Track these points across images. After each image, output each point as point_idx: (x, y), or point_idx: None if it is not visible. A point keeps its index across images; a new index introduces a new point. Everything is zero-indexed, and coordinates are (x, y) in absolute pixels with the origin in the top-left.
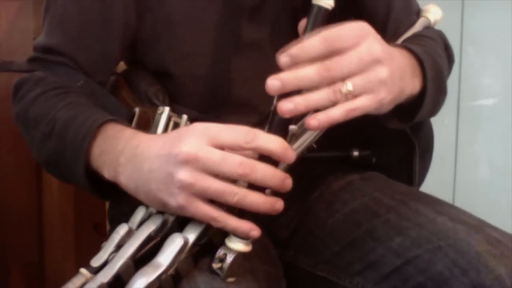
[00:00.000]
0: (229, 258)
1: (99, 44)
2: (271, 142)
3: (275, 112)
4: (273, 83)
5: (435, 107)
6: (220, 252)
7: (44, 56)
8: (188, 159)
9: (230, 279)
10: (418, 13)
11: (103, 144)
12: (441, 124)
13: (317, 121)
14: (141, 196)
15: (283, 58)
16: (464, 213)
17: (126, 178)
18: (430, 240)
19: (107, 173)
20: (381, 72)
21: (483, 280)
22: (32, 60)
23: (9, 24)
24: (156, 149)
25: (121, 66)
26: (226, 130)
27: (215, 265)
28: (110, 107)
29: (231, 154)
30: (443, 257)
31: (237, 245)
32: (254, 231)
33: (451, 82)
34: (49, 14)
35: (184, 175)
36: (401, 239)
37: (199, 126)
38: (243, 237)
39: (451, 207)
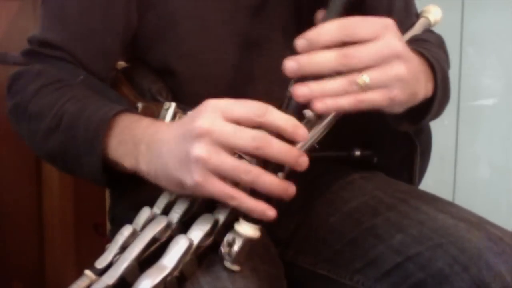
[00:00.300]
0: (238, 243)
1: (99, 40)
2: (282, 118)
3: (291, 97)
4: (290, 64)
5: (440, 111)
6: (229, 237)
7: (41, 49)
8: (201, 133)
9: (235, 268)
10: (417, 15)
11: (120, 135)
12: (441, 124)
13: (324, 104)
14: (161, 181)
15: (299, 41)
16: (465, 211)
17: (146, 165)
18: (431, 237)
19: (128, 163)
20: (400, 68)
21: (484, 277)
22: (27, 53)
23: (9, 24)
24: (173, 131)
25: (120, 64)
26: (238, 103)
27: (224, 249)
28: (112, 101)
29: (245, 128)
30: (444, 254)
31: (246, 230)
32: (270, 211)
33: (451, 82)
34: (47, 8)
35: (199, 149)
36: (401, 237)
37: (211, 102)
38: (258, 218)
39: (452, 205)
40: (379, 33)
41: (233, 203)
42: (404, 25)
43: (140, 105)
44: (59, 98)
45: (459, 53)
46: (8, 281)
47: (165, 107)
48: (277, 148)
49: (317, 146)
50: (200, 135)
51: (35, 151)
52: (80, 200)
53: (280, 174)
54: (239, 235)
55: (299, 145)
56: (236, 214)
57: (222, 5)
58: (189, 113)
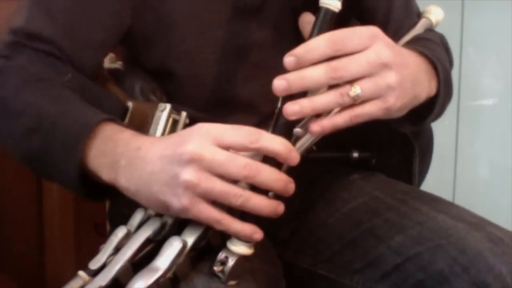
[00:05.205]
0: (231, 261)
1: (87, 34)
2: (275, 143)
3: (279, 114)
4: (279, 83)
5: (443, 110)
6: (222, 255)
7: (28, 42)
8: (193, 158)
9: (231, 282)
10: (418, 14)
11: (101, 145)
12: (441, 124)
13: (320, 127)
14: (141, 199)
15: (287, 58)
16: (465, 211)
17: (126, 181)
18: (431, 238)
19: (106, 176)
20: (390, 77)
21: (484, 278)
22: (11, 44)
23: (9, 24)
24: (159, 151)
25: (116, 64)
26: (231, 130)
27: (217, 268)
28: (101, 100)
29: (237, 155)
30: (444, 255)
31: (239, 248)
32: (257, 234)
33: None
34: None
35: (189, 175)
36: (401, 237)
37: (204, 127)
38: (246, 240)
39: (452, 205)
40: (368, 43)
41: (220, 227)
42: (404, 25)
43: (130, 104)
44: (41, 97)
45: (459, 53)
46: (8, 281)
47: (160, 108)
48: (267, 176)
49: (314, 148)
50: (190, 161)
51: (10, 151)
52: (80, 200)
53: (271, 193)
54: (231, 253)
55: (297, 146)
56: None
57: (219, 6)
58: (178, 132)
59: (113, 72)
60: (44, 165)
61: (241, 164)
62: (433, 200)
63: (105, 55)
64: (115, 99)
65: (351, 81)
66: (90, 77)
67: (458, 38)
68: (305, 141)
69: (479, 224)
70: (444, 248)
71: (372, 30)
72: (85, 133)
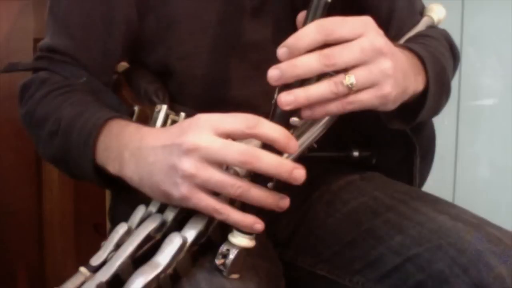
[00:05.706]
0: (232, 254)
1: (101, 45)
2: (273, 130)
3: (276, 105)
4: (273, 72)
5: (438, 107)
6: (223, 248)
7: (49, 54)
8: (190, 148)
9: (233, 276)
10: (422, 12)
11: (107, 140)
12: (441, 124)
13: (311, 112)
14: (145, 189)
15: (280, 49)
16: (464, 211)
17: (130, 172)
18: (431, 239)
19: (111, 168)
20: (385, 64)
21: (484, 279)
22: (37, 58)
23: (9, 24)
24: (160, 141)
25: (122, 65)
26: (229, 117)
27: (218, 261)
28: (110, 105)
29: (234, 142)
30: (444, 256)
31: (240, 241)
32: (258, 224)
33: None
34: (53, 16)
35: (187, 164)
36: (401, 238)
37: (202, 117)
38: (246, 231)
39: (452, 206)
40: (360, 32)
41: (219, 217)
42: (407, 24)
43: (136, 108)
44: (60, 103)
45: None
46: (9, 281)
47: (156, 109)
48: (267, 162)
49: (315, 146)
50: (188, 151)
51: (43, 157)
52: (80, 200)
53: (270, 184)
54: (233, 246)
55: (298, 143)
56: None
57: (220, 6)
58: (179, 123)
59: (125, 73)
60: (66, 163)
61: (237, 150)
62: (433, 201)
63: (119, 61)
64: (122, 104)
65: (345, 70)
66: (107, 83)
67: (458, 38)
68: (306, 138)
69: (479, 224)
70: (443, 248)
71: (364, 19)
72: (95, 131)
